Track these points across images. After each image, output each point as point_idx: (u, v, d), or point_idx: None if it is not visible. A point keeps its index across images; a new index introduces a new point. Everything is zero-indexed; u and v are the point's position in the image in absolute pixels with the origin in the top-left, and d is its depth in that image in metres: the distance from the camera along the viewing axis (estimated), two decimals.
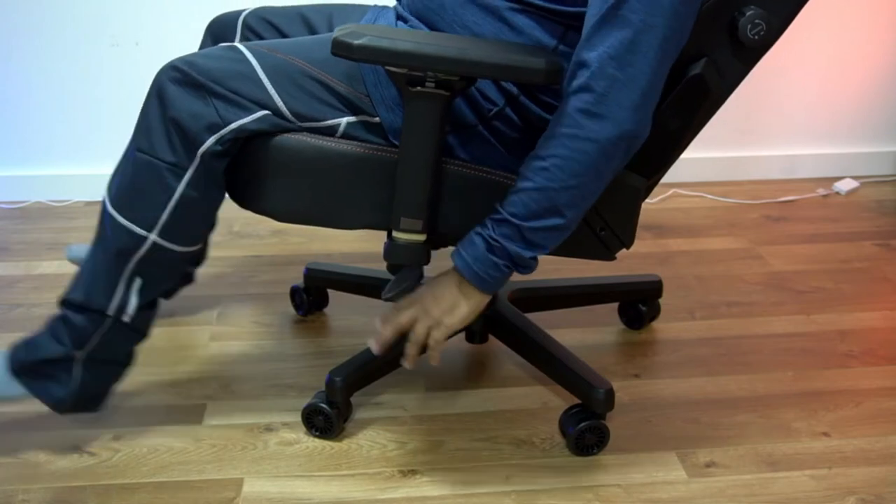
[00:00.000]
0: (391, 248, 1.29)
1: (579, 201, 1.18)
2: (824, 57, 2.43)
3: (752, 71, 1.28)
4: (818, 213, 2.32)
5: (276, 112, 1.26)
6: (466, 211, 1.31)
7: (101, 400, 1.40)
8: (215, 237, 2.16)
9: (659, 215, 2.29)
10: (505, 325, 1.57)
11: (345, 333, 1.76)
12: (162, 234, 1.28)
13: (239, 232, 2.20)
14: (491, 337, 1.67)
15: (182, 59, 1.25)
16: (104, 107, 2.31)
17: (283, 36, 1.54)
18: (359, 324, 1.79)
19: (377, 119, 1.29)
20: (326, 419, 1.44)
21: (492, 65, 1.15)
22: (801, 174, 2.53)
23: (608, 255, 1.34)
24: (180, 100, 1.24)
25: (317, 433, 1.46)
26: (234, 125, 1.25)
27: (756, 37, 1.20)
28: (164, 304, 1.85)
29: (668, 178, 2.46)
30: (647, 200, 2.35)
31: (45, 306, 1.84)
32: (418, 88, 1.19)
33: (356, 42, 1.14)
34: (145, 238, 1.28)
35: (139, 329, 1.36)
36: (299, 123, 1.27)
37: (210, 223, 1.35)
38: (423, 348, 1.33)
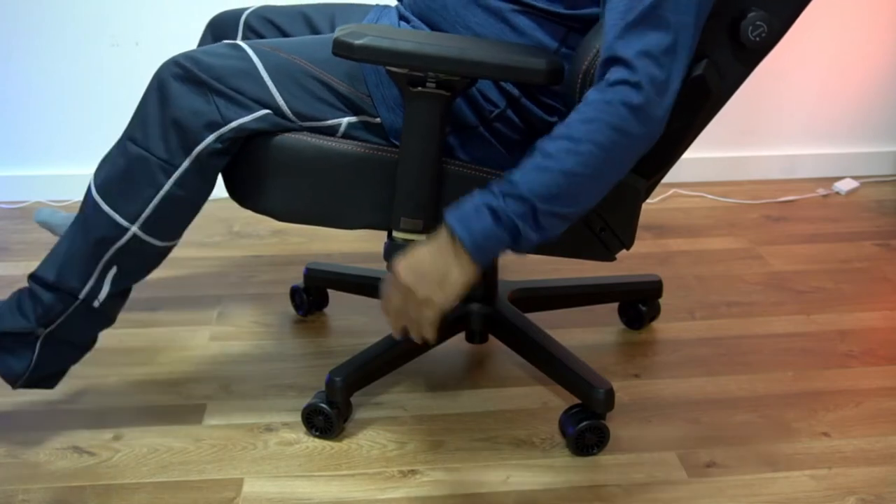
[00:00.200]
0: (391, 248, 1.29)
1: (597, 194, 1.14)
2: (824, 57, 2.43)
3: (753, 71, 1.28)
4: (818, 213, 2.32)
5: (278, 111, 1.26)
6: None
7: (56, 379, 1.40)
8: (215, 237, 2.16)
9: (659, 215, 2.29)
10: (505, 325, 1.57)
11: (345, 333, 1.76)
12: (143, 228, 1.28)
13: (239, 232, 2.20)
14: (491, 337, 1.67)
15: (185, 55, 1.25)
16: (104, 107, 2.31)
17: (285, 35, 1.54)
18: (359, 324, 1.79)
19: (378, 119, 1.29)
20: (326, 419, 1.44)
21: (493, 65, 1.15)
22: (801, 174, 2.53)
23: (608, 255, 1.34)
24: (182, 96, 1.24)
25: (317, 433, 1.46)
26: (234, 123, 1.25)
27: (757, 38, 1.20)
28: (164, 304, 1.85)
29: (668, 178, 2.46)
30: (647, 200, 2.35)
31: None
32: (419, 89, 1.19)
33: (357, 42, 1.14)
34: (127, 229, 1.28)
35: (107, 315, 1.36)
36: (300, 123, 1.27)
37: (192, 220, 1.35)
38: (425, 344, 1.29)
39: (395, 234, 1.28)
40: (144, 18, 2.24)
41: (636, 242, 2.13)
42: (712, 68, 1.22)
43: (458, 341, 1.68)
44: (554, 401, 1.55)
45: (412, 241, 1.28)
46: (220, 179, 1.36)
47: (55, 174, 2.36)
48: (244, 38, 1.56)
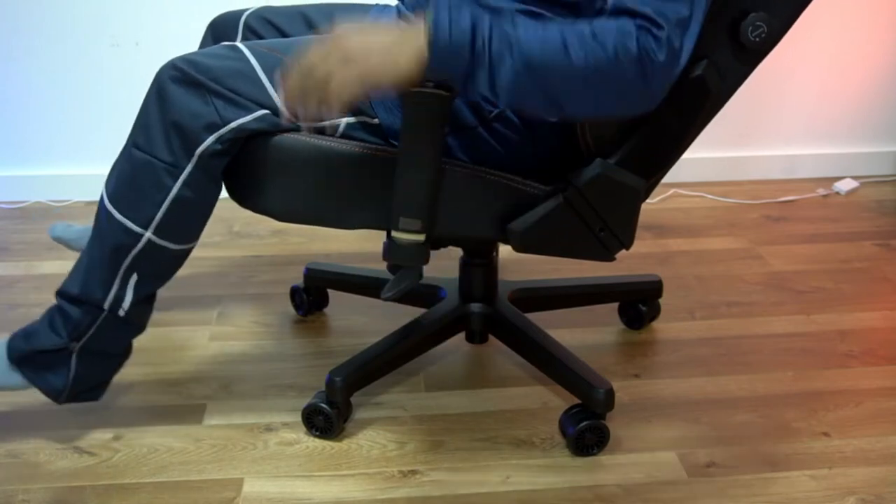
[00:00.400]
0: (390, 248, 1.29)
1: (572, 102, 1.09)
2: (824, 57, 2.43)
3: (753, 71, 1.28)
4: (818, 213, 2.32)
5: (276, 111, 1.26)
6: (466, 211, 1.31)
7: (100, 390, 1.41)
8: (215, 237, 2.16)
9: (659, 215, 2.29)
10: (505, 325, 1.57)
11: (345, 333, 1.76)
12: (157, 233, 1.28)
13: (239, 232, 2.20)
14: (491, 337, 1.67)
15: (182, 58, 1.25)
16: (104, 107, 2.31)
17: (285, 36, 1.54)
18: (359, 324, 1.79)
19: (376, 120, 1.29)
20: (326, 419, 1.44)
21: None
22: (801, 174, 2.53)
23: (607, 255, 1.34)
24: (180, 99, 1.24)
25: (317, 433, 1.46)
26: (233, 124, 1.25)
27: (757, 39, 1.20)
28: (164, 304, 1.85)
29: (668, 178, 2.46)
30: (647, 200, 2.35)
31: (46, 306, 1.83)
32: (418, 89, 1.19)
33: None
34: (141, 235, 1.28)
35: (135, 323, 1.37)
36: (299, 123, 1.27)
37: (206, 221, 1.35)
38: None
39: (393, 234, 1.28)
40: (144, 19, 2.24)
41: (636, 242, 2.13)
42: (712, 68, 1.22)
43: (458, 341, 1.68)
44: (554, 401, 1.55)
45: (411, 240, 1.28)
46: None
47: (55, 174, 2.36)
48: (244, 38, 1.56)
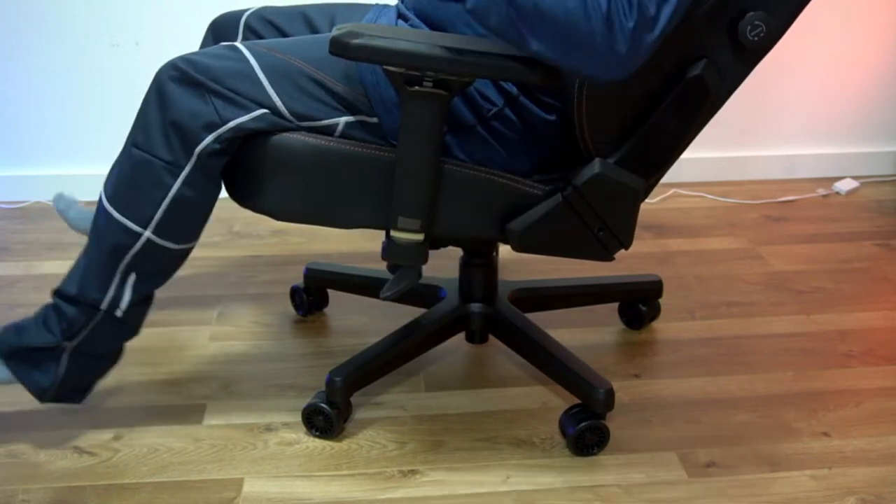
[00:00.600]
0: (389, 248, 1.29)
1: (536, 37, 1.09)
2: (824, 57, 2.43)
3: (752, 71, 1.28)
4: (818, 213, 2.32)
5: (275, 111, 1.26)
6: (465, 211, 1.31)
7: (84, 393, 1.41)
8: (215, 237, 2.16)
9: (659, 215, 2.29)
10: (505, 325, 1.57)
11: (345, 333, 1.76)
12: (156, 232, 1.28)
13: (239, 232, 2.20)
14: (491, 337, 1.67)
15: (182, 58, 1.26)
16: (104, 107, 2.31)
17: (285, 36, 1.54)
18: (359, 324, 1.79)
19: (375, 119, 1.29)
20: (326, 419, 1.44)
21: (490, 65, 1.15)
22: (801, 174, 2.53)
23: (606, 255, 1.34)
24: (179, 98, 1.24)
25: (317, 433, 1.46)
26: (232, 124, 1.25)
27: (756, 38, 1.20)
28: (164, 304, 1.85)
29: (668, 178, 2.46)
30: (646, 200, 2.35)
31: None
32: (416, 88, 1.19)
33: (353, 41, 1.14)
34: (140, 235, 1.28)
35: (131, 324, 1.37)
36: (298, 123, 1.27)
37: (205, 221, 1.35)
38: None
39: (392, 233, 1.28)
40: (144, 19, 2.24)
41: (636, 242, 2.13)
42: (711, 68, 1.22)
43: (458, 341, 1.68)
44: (554, 401, 1.55)
45: (410, 240, 1.28)
46: None
47: (55, 174, 2.36)
48: (244, 39, 1.56)
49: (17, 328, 1.35)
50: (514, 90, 1.29)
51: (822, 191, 2.44)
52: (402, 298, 1.67)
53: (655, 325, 1.79)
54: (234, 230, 2.21)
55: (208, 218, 1.33)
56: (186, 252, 1.34)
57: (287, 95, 1.26)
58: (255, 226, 2.23)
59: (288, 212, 1.31)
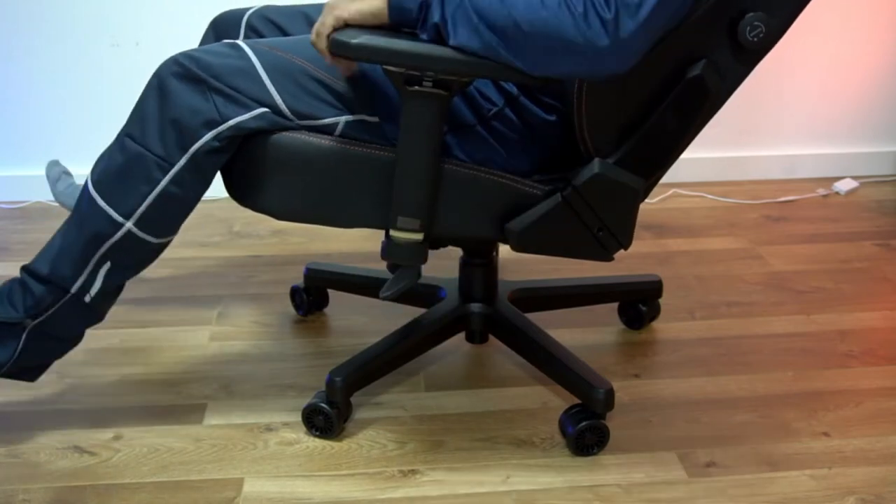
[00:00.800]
0: (389, 247, 1.29)
1: (518, 55, 1.12)
2: (824, 57, 2.43)
3: (752, 71, 1.28)
4: (818, 213, 2.32)
5: (276, 110, 1.26)
6: (464, 210, 1.31)
7: (37, 372, 1.40)
8: (215, 237, 2.17)
9: (659, 215, 2.29)
10: (505, 325, 1.57)
11: (345, 333, 1.76)
12: (138, 224, 1.28)
13: (239, 232, 2.20)
14: (491, 337, 1.67)
15: (184, 54, 1.26)
16: (104, 107, 2.31)
17: (286, 35, 1.54)
18: (359, 324, 1.79)
19: (375, 118, 1.29)
20: (326, 419, 1.44)
21: (489, 65, 1.15)
22: (801, 174, 2.53)
23: (605, 255, 1.34)
24: (180, 94, 1.24)
25: (317, 433, 1.46)
26: (232, 122, 1.25)
27: (755, 39, 1.20)
28: (164, 304, 1.85)
29: (668, 178, 2.46)
30: (646, 200, 2.35)
31: None
32: (416, 88, 1.19)
33: (354, 41, 1.14)
34: (121, 225, 1.28)
35: (96, 311, 1.37)
36: (298, 121, 1.27)
37: (186, 216, 1.35)
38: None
39: (392, 233, 1.28)
40: (144, 18, 2.24)
41: (636, 242, 2.13)
42: (711, 69, 1.22)
43: (458, 341, 1.68)
44: (554, 401, 1.55)
45: (409, 240, 1.28)
46: (219, 179, 1.36)
47: None
48: (245, 37, 1.56)
49: None
50: (515, 90, 1.29)
51: (822, 191, 2.44)
52: (402, 298, 1.67)
53: (655, 325, 1.79)
54: (234, 230, 2.21)
55: (190, 213, 1.33)
56: (162, 247, 1.34)
57: (288, 94, 1.26)
58: (255, 226, 2.23)
59: (287, 211, 1.31)
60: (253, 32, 1.55)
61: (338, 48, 1.15)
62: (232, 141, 1.27)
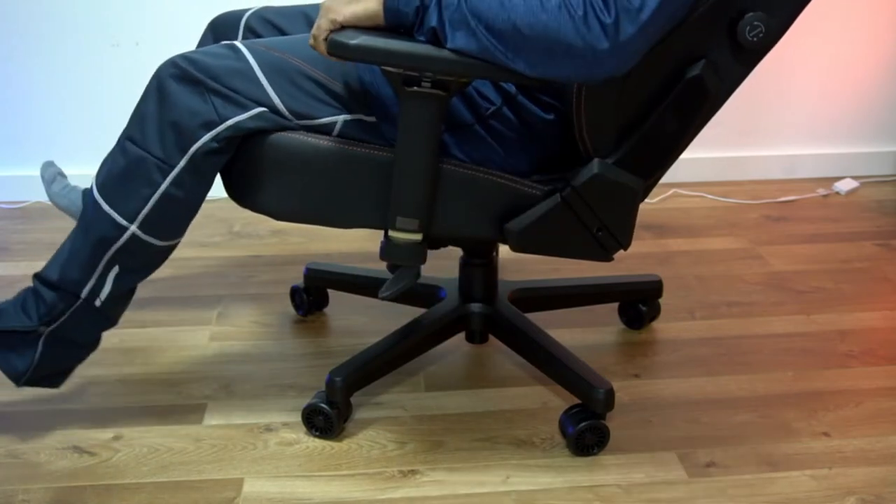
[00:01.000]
0: (388, 248, 1.29)
1: (518, 55, 1.12)
2: (824, 57, 2.43)
3: (752, 71, 1.28)
4: (818, 213, 2.32)
5: (274, 109, 1.26)
6: (463, 210, 1.31)
7: (60, 378, 1.41)
8: (215, 237, 2.17)
9: (659, 215, 2.29)
10: (505, 325, 1.57)
11: (345, 333, 1.76)
12: (142, 227, 1.29)
13: (239, 232, 2.20)
14: (491, 337, 1.67)
15: (182, 56, 1.26)
16: (104, 107, 2.31)
17: (286, 36, 1.54)
18: (359, 324, 1.79)
19: (373, 118, 1.29)
20: (326, 419, 1.44)
21: (488, 66, 1.15)
22: (801, 174, 2.53)
23: (605, 255, 1.34)
24: (179, 96, 1.24)
25: (317, 433, 1.46)
26: (230, 122, 1.25)
27: (755, 39, 1.20)
28: (164, 304, 1.85)
29: (668, 178, 2.46)
30: (646, 200, 2.35)
31: None
32: (414, 88, 1.19)
33: (352, 42, 1.14)
34: (126, 229, 1.29)
35: (108, 315, 1.37)
36: (296, 121, 1.27)
37: (192, 218, 1.35)
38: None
39: (391, 233, 1.28)
40: (144, 19, 2.24)
41: (636, 242, 2.13)
42: (710, 69, 1.22)
43: (458, 341, 1.68)
44: (554, 401, 1.55)
45: (408, 240, 1.28)
46: (219, 179, 1.36)
47: None
48: (244, 38, 1.56)
49: None
50: (513, 89, 1.29)
51: (822, 191, 2.44)
52: (402, 298, 1.67)
53: (655, 325, 1.79)
54: (234, 230, 2.21)
55: (195, 215, 1.33)
56: (170, 249, 1.35)
57: (285, 94, 1.26)
58: (255, 226, 2.23)
59: (286, 211, 1.31)
60: (251, 33, 1.55)
61: (336, 49, 1.15)
62: (230, 142, 1.27)
